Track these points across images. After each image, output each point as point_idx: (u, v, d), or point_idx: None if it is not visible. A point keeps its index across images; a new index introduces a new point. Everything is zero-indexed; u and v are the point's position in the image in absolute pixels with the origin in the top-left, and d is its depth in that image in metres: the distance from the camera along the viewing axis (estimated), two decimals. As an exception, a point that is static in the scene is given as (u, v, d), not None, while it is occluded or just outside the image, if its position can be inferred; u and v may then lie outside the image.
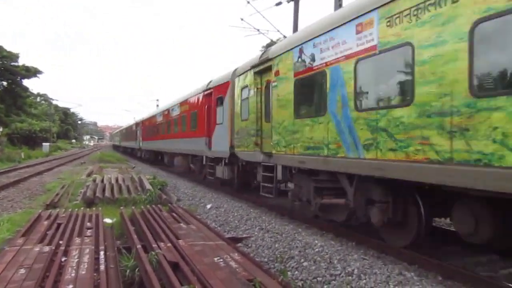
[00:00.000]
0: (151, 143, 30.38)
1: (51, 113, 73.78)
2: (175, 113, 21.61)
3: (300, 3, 16.88)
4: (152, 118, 30.64)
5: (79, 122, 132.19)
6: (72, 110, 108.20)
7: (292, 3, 16.90)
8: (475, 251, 6.60)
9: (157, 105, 55.61)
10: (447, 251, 6.78)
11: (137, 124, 39.26)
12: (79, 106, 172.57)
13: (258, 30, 18.29)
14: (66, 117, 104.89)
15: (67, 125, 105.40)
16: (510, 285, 5.05)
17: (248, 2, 16.95)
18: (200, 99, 16.45)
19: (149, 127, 31.41)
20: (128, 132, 47.62)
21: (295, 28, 16.54)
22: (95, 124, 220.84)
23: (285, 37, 17.74)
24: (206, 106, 15.45)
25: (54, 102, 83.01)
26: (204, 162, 16.07)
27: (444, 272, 5.62)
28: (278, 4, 17.32)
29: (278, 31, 21.47)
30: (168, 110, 23.84)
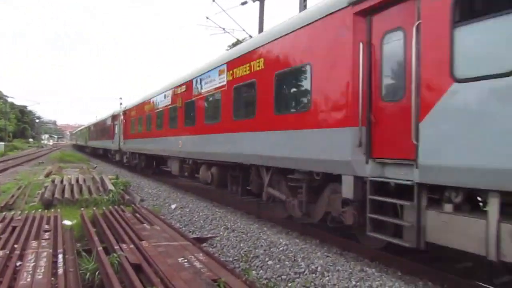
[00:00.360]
0: (143, 142, 19.84)
1: (6, 111, 70.31)
2: (211, 85, 11.28)
3: (266, 2, 17.00)
4: (145, 105, 19.90)
5: (37, 120, 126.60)
6: (29, 108, 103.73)
7: (257, 3, 16.97)
8: (430, 247, 6.88)
9: (121, 104, 53.36)
10: (406, 247, 7.01)
11: (115, 116, 28.66)
12: (37, 104, 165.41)
13: (224, 29, 18.21)
14: (23, 115, 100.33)
15: (24, 123, 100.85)
16: (462, 279, 5.29)
17: (213, 1, 16.86)
18: (331, 34, 6.55)
19: (140, 118, 20.83)
20: (100, 129, 36.19)
21: (261, 28, 16.63)
22: (54, 123, 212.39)
23: (251, 36, 17.83)
24: (369, 44, 5.96)
25: (9, 100, 79.19)
26: (345, 193, 6.18)
27: (403, 267, 5.82)
28: (244, 3, 17.35)
29: (244, 30, 21.60)
30: (186, 84, 13.45)
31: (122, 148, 25.78)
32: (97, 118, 41.74)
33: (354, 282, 5.34)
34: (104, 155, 36.87)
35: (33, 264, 5.36)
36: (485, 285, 5.07)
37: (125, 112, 25.02)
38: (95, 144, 39.72)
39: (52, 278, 4.96)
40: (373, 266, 5.97)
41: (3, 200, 12.11)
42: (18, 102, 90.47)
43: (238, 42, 20.81)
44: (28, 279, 4.80)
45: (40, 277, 4.89)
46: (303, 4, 13.75)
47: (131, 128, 23.19)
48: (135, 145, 21.98)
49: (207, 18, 17.80)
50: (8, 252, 5.88)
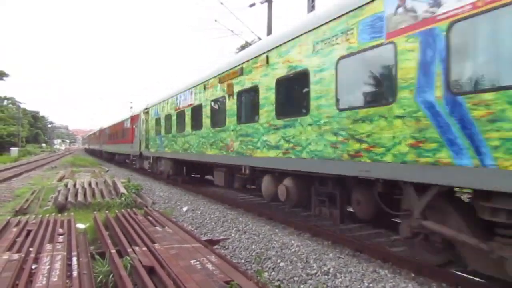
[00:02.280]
0: (111, 147, 39.28)
1: (19, 117, 71.40)
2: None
3: (273, 4, 17.04)
4: (107, 128, 42.88)
5: (50, 125, 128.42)
6: (41, 114, 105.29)
7: (265, 4, 17.02)
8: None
9: (131, 107, 54.59)
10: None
11: (101, 130, 48.43)
12: (48, 109, 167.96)
13: (232, 31, 18.30)
14: (36, 121, 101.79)
15: (37, 129, 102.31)
16: (478, 279, 5.23)
17: (222, 3, 16.97)
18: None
19: (109, 133, 39.99)
20: (94, 138, 60.29)
21: (269, 30, 16.65)
22: (66, 127, 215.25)
23: (259, 38, 17.87)
24: None
25: (22, 106, 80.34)
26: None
27: (416, 268, 5.76)
28: (252, 5, 17.42)
29: (253, 32, 21.70)
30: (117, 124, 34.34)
31: (102, 149, 43.46)
32: (93, 130, 63.25)
33: (366, 284, 5.30)
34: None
35: (48, 267, 5.43)
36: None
37: (101, 129, 43.44)
38: (92, 147, 62.87)
39: (67, 281, 5.02)
40: (385, 268, 5.92)
41: (17, 204, 12.31)
42: (30, 107, 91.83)
43: (245, 45, 20.87)
44: (44, 282, 4.87)
45: (55, 279, 4.96)
46: (311, 5, 13.75)
47: (106, 138, 39.57)
48: (108, 147, 38.66)
49: (215, 21, 17.91)
50: (23, 255, 5.97)
